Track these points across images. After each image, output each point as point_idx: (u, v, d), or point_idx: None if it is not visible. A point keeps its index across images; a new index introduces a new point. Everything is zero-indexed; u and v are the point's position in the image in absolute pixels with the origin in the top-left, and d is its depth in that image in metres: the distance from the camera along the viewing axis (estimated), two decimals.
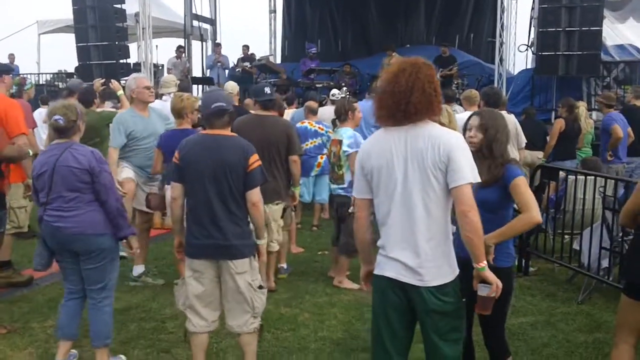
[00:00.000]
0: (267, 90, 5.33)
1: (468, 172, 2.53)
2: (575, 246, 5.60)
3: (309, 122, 7.78)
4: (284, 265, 5.98)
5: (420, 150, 2.55)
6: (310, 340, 4.40)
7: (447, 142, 2.55)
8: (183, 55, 14.15)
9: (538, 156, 8.23)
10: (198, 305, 3.56)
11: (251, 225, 3.60)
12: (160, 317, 4.73)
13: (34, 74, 16.29)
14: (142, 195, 5.42)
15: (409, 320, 2.71)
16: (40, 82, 16.10)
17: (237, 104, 6.80)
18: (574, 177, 5.91)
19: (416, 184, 2.57)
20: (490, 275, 2.64)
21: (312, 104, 7.98)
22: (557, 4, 10.43)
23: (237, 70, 13.92)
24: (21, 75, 14.63)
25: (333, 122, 5.98)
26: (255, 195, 3.49)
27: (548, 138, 8.42)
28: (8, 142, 4.41)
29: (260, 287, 3.61)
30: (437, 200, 2.57)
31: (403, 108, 2.57)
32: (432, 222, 2.58)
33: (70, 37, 13.36)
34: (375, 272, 2.75)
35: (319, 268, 6.19)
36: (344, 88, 10.58)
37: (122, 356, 4.01)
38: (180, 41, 14.96)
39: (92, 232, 3.64)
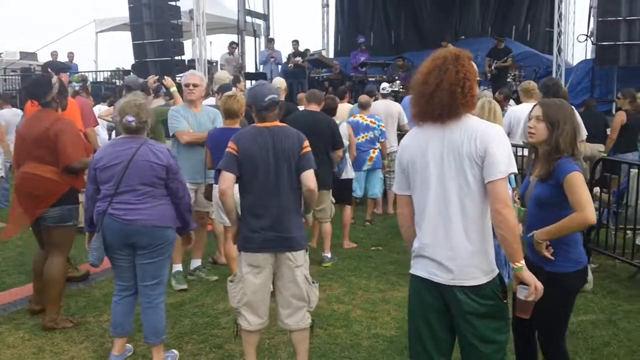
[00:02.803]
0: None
1: (503, 166, 2.41)
2: (639, 242, 5.41)
3: (360, 116, 7.70)
4: (328, 255, 6.12)
5: (457, 144, 2.48)
6: (363, 337, 4.34)
7: (484, 134, 2.45)
8: (236, 51, 14.28)
9: (599, 149, 7.90)
10: (254, 302, 3.54)
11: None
12: (214, 313, 4.77)
13: (92, 71, 16.79)
14: (192, 192, 5.45)
15: (449, 320, 2.62)
16: (98, 80, 16.58)
17: (282, 99, 6.77)
18: (636, 170, 5.67)
19: (452, 179, 2.50)
20: (527, 276, 2.51)
21: (364, 97, 7.89)
22: None
23: (289, 65, 13.94)
24: (79, 73, 15.13)
25: None
26: (311, 177, 3.45)
27: (609, 130, 8.08)
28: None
29: (313, 281, 3.62)
30: (473, 196, 2.48)
31: (430, 108, 2.52)
32: (468, 219, 2.50)
33: (127, 35, 13.68)
34: (410, 271, 2.70)
35: (372, 264, 6.12)
36: (397, 81, 10.40)
37: (175, 351, 4.05)
38: (234, 37, 15.11)
39: (161, 225, 3.70)
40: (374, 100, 8.42)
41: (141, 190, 3.66)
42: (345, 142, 6.55)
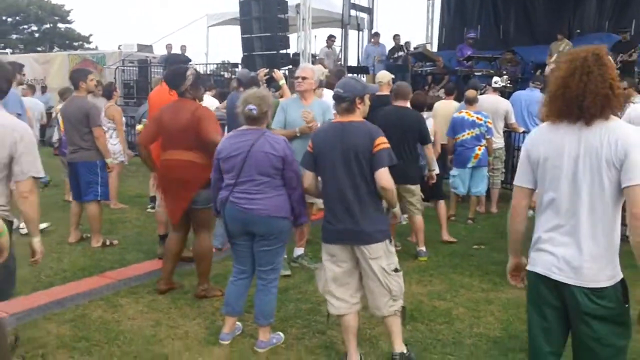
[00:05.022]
0: None
1: None
2: None
3: (466, 112, 7.55)
4: (423, 248, 6.15)
5: (595, 147, 2.44)
6: (466, 335, 4.29)
7: (625, 137, 2.38)
8: (334, 44, 14.41)
9: None
10: (335, 287, 3.67)
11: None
12: (316, 299, 4.88)
13: (202, 64, 17.54)
14: None
15: (565, 318, 2.57)
16: (207, 72, 17.29)
17: (387, 93, 6.74)
18: None
19: (585, 181, 2.45)
20: None
21: (470, 92, 7.72)
22: None
23: (390, 59, 13.88)
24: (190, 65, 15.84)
25: None
26: (384, 176, 3.47)
27: None
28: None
29: (396, 269, 3.64)
30: (605, 199, 2.43)
31: (577, 113, 2.46)
32: (598, 221, 2.45)
33: (235, 29, 14.17)
34: (529, 267, 2.66)
35: (474, 262, 6.01)
36: (505, 76, 10.08)
37: (281, 333, 4.20)
38: (334, 31, 15.24)
39: (277, 215, 3.85)
40: (480, 95, 8.22)
41: (259, 180, 3.82)
42: (431, 138, 6.51)
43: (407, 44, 14.49)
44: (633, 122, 5.71)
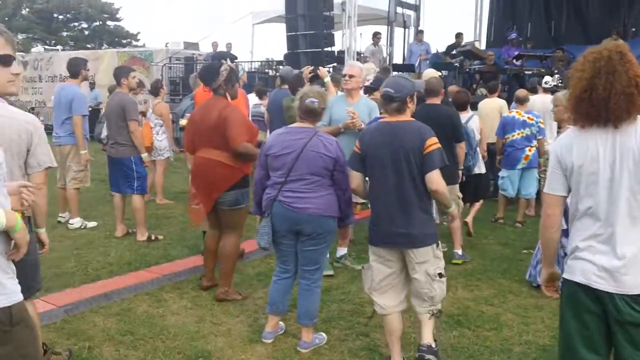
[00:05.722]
0: None
1: None
2: None
3: (517, 112, 7.35)
4: (459, 251, 6.00)
5: (632, 149, 2.36)
6: (514, 342, 4.15)
7: None
8: (380, 42, 14.27)
9: None
10: (382, 287, 3.62)
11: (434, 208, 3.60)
12: (359, 300, 4.81)
13: (247, 61, 17.66)
14: None
15: (605, 326, 2.47)
16: (252, 70, 17.39)
17: None
18: None
19: (623, 185, 2.38)
20: None
21: (521, 92, 7.53)
22: None
23: (448, 56, 13.56)
24: (234, 63, 15.96)
25: None
26: (434, 178, 3.39)
27: None
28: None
29: (440, 275, 3.57)
30: None
31: (604, 115, 2.38)
32: (636, 226, 2.38)
33: (280, 27, 14.20)
34: (565, 275, 2.57)
35: (523, 267, 5.82)
36: (556, 75, 9.77)
37: (323, 334, 4.14)
38: (380, 28, 15.11)
39: (327, 215, 3.81)
40: (534, 95, 8.00)
41: (310, 179, 3.77)
42: (477, 136, 6.35)
43: (459, 39, 14.07)
44: None
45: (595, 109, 2.40)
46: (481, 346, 4.07)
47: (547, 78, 8.63)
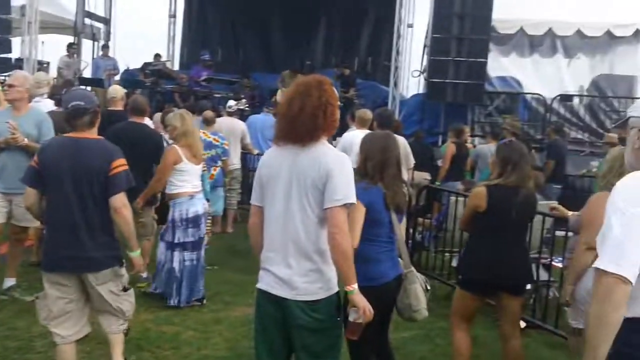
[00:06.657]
0: None
1: (339, 194, 2.54)
2: (454, 264, 5.77)
3: (203, 133, 7.57)
4: (144, 274, 5.50)
5: (304, 169, 2.58)
6: (193, 358, 4.24)
7: (325, 163, 2.57)
8: (75, 54, 13.37)
9: (424, 177, 8.54)
10: (61, 316, 3.38)
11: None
12: (28, 336, 4.35)
13: None
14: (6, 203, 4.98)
15: (287, 332, 2.68)
16: None
17: (121, 108, 6.41)
18: (455, 197, 6.16)
19: (295, 200, 2.60)
20: (357, 299, 2.63)
21: (209, 113, 7.79)
22: (447, 35, 11.00)
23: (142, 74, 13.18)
24: None
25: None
26: (118, 200, 3.30)
27: (440, 162, 8.77)
28: None
29: (125, 288, 3.49)
30: (310, 219, 2.62)
31: (294, 131, 2.63)
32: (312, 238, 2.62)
33: None
34: (258, 285, 2.75)
35: (205, 282, 5.97)
36: (243, 100, 10.43)
37: None
38: (70, 39, 14.15)
39: None
40: (217, 117, 8.35)
41: None
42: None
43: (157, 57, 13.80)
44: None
45: (288, 125, 2.64)
46: None
47: (230, 102, 9.09)
